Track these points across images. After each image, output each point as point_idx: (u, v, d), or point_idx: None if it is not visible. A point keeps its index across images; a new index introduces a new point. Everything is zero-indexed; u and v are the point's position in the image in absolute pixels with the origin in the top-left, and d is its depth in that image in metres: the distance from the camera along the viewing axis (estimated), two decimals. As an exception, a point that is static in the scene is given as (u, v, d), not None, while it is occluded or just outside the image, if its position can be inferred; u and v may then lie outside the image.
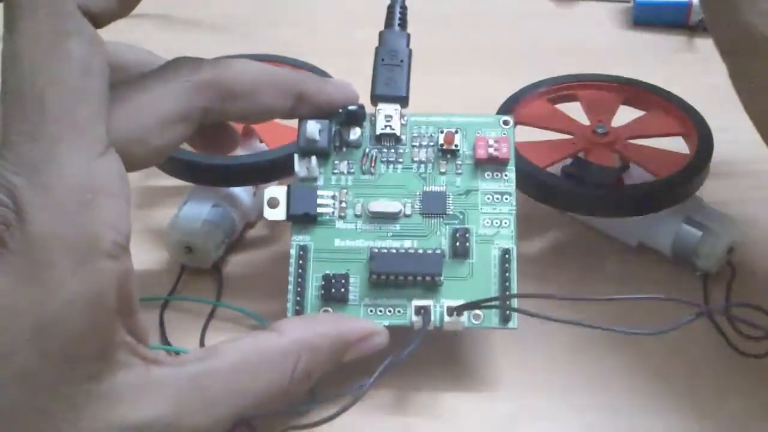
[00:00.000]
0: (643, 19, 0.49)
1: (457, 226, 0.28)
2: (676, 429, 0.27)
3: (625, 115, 0.35)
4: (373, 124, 0.29)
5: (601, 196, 0.31)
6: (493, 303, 0.27)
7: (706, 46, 0.48)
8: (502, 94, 0.35)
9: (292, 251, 0.28)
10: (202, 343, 0.30)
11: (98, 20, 0.22)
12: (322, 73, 0.36)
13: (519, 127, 0.35)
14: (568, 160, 0.32)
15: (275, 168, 0.32)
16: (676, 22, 0.49)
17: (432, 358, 0.28)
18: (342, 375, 0.26)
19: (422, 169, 0.29)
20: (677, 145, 0.34)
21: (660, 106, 0.35)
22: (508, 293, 0.27)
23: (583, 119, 0.35)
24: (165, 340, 0.30)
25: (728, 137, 0.35)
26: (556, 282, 0.32)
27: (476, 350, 0.29)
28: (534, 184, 0.30)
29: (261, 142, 0.35)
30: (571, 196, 0.31)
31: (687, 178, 0.31)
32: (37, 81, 0.21)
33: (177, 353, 0.28)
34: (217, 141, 0.30)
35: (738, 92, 0.26)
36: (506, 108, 0.35)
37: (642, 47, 0.48)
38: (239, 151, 0.33)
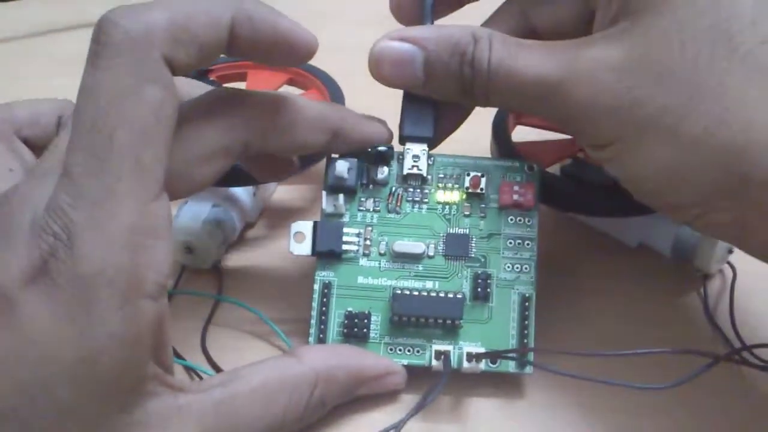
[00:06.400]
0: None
1: (479, 270, 0.28)
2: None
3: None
4: (401, 163, 0.29)
5: (601, 196, 0.31)
6: (511, 355, 0.27)
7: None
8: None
9: (316, 287, 0.28)
10: (203, 343, 0.30)
11: (177, 70, 0.23)
12: (321, 73, 0.36)
13: (519, 127, 0.35)
14: (568, 160, 0.32)
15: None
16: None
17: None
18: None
19: (447, 211, 0.29)
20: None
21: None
22: (525, 341, 0.27)
23: (583, 119, 0.35)
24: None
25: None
26: (556, 282, 0.32)
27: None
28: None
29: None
30: (571, 196, 0.31)
31: (687, 178, 0.31)
32: (111, 118, 0.21)
33: (198, 375, 0.29)
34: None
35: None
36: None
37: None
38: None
